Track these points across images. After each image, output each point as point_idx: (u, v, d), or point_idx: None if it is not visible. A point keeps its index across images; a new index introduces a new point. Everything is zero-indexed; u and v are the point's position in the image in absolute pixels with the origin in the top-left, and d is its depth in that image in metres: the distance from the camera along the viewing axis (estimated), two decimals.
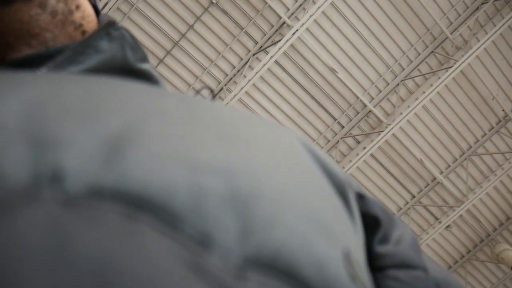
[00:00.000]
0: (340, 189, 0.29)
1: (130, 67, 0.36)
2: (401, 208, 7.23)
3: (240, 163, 0.23)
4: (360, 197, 0.34)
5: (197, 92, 0.48)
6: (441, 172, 7.03)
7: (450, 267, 7.74)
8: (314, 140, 6.57)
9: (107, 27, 0.35)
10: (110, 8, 5.42)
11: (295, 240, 0.21)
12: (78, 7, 0.37)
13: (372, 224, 0.33)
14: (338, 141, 6.65)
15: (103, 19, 0.39)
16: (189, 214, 0.18)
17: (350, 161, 6.42)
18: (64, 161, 0.18)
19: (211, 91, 0.50)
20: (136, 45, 0.37)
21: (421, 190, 7.16)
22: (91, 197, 0.17)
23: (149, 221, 0.17)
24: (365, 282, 0.24)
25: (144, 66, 0.37)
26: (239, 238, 0.19)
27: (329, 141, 6.67)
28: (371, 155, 6.63)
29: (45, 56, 0.33)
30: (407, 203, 7.21)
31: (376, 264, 0.30)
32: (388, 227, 0.33)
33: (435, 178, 6.99)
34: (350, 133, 6.60)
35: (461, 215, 7.19)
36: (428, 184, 7.13)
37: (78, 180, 0.18)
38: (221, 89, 6.12)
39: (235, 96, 5.65)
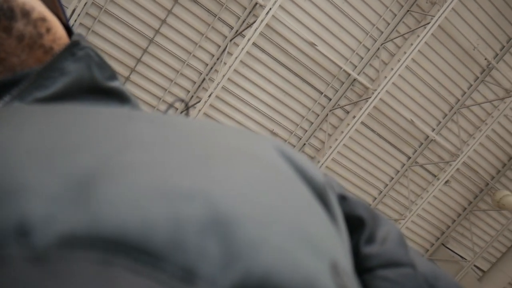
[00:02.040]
0: (320, 194, 0.28)
1: (98, 86, 0.35)
2: (398, 171, 7.29)
3: (218, 184, 0.22)
4: (343, 199, 0.33)
5: (170, 106, 0.48)
6: (433, 130, 7.08)
7: (454, 221, 7.86)
8: (304, 117, 6.57)
9: (71, 47, 0.34)
10: (79, 15, 5.32)
11: (283, 260, 0.20)
12: (48, 30, 0.36)
13: (357, 224, 0.32)
14: (328, 114, 6.65)
15: (77, 39, 0.38)
16: (169, 250, 0.18)
17: (342, 132, 6.44)
18: (28, 211, 0.17)
19: (184, 101, 0.49)
20: (103, 63, 0.36)
21: (416, 150, 7.21)
22: (62, 248, 0.16)
23: (127, 264, 0.16)
24: None
25: (113, 84, 0.37)
26: (223, 267, 0.18)
27: (318, 115, 6.67)
28: (362, 123, 6.65)
29: (9, 82, 0.32)
30: (404, 165, 7.27)
31: (364, 265, 0.30)
32: (373, 226, 0.33)
33: (428, 137, 7.04)
34: (338, 104, 6.60)
35: (458, 169, 7.28)
36: (421, 143, 7.19)
37: (46, 231, 0.16)
38: (203, 79, 6.07)
39: (218, 84, 5.61)
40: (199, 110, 5.70)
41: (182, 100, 0.47)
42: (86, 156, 0.20)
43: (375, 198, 7.38)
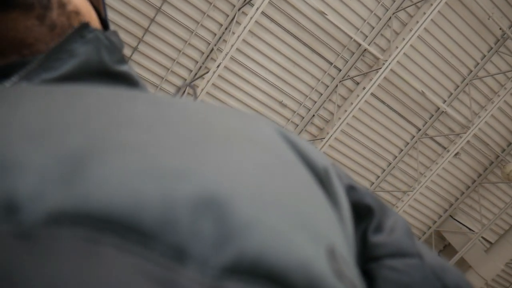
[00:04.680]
0: (321, 178, 0.28)
1: (107, 70, 0.35)
2: (408, 143, 7.26)
3: (213, 165, 0.21)
4: (351, 188, 0.33)
5: (175, 94, 0.48)
6: (444, 101, 6.99)
7: (463, 193, 7.87)
8: (313, 88, 6.52)
9: (81, 30, 0.34)
10: None
11: (277, 242, 0.19)
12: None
13: (365, 213, 0.32)
14: (337, 85, 6.58)
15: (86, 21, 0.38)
16: (159, 229, 0.17)
17: (352, 103, 6.39)
18: (18, 188, 0.17)
19: (188, 85, 0.49)
20: (112, 47, 0.36)
21: (426, 122, 7.15)
22: (50, 225, 0.16)
23: (114, 242, 0.16)
24: (352, 278, 0.23)
25: (122, 67, 0.37)
26: (215, 247, 0.18)
27: (327, 86, 6.61)
28: (372, 94, 6.58)
29: (20, 64, 0.32)
30: (414, 136, 7.23)
31: (371, 254, 0.30)
32: (381, 215, 0.33)
33: (438, 108, 6.97)
34: (348, 75, 6.52)
35: (468, 141, 7.22)
36: (432, 115, 7.12)
37: (34, 208, 0.16)
38: (212, 50, 6.02)
39: (226, 54, 5.56)
40: (208, 81, 5.67)
41: (187, 85, 0.47)
42: (78, 134, 0.20)
43: (384, 170, 7.39)
